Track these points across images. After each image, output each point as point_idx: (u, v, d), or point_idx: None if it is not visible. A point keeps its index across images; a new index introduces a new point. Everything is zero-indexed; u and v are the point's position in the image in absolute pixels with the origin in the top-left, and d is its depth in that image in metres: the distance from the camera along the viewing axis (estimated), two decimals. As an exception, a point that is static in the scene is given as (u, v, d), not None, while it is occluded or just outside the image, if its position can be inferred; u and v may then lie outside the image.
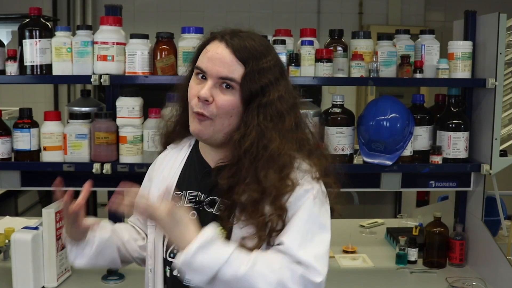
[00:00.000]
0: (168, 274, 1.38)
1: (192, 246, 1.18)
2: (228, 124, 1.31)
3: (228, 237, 1.29)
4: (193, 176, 1.41)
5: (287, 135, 1.31)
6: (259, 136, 1.28)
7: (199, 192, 1.38)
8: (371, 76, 2.19)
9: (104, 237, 1.45)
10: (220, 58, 1.29)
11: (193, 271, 1.18)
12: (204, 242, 1.19)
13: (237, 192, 1.28)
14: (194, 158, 1.44)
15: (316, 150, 1.37)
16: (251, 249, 1.24)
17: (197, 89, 1.32)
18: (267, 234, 1.26)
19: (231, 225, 1.29)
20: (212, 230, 1.22)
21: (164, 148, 1.52)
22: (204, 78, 1.32)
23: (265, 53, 1.31)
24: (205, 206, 1.36)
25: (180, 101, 1.44)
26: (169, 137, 1.51)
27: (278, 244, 1.24)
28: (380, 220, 2.94)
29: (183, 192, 1.40)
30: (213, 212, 1.34)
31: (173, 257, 1.33)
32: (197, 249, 1.18)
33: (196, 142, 1.47)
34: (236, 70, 1.29)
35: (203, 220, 1.33)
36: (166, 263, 1.38)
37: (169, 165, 1.46)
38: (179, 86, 1.45)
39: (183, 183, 1.41)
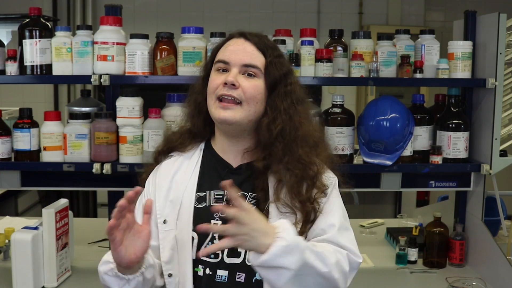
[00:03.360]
0: (201, 273, 1.39)
1: (286, 232, 1.20)
2: (254, 111, 1.39)
3: None
4: (216, 176, 1.45)
5: (310, 119, 1.43)
6: (290, 119, 1.38)
7: (226, 191, 1.39)
8: (371, 76, 2.19)
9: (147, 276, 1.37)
10: (242, 49, 1.39)
11: (293, 250, 1.19)
12: (291, 242, 1.20)
13: (276, 170, 1.37)
14: (212, 160, 1.47)
15: (323, 142, 1.49)
16: None
17: (220, 79, 1.38)
18: (305, 220, 1.36)
19: (267, 218, 1.33)
20: (289, 225, 1.23)
21: (165, 155, 1.53)
22: (225, 71, 1.39)
23: (277, 48, 1.44)
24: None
25: (192, 106, 1.49)
26: (174, 145, 1.53)
27: (320, 234, 1.36)
28: (380, 220, 2.94)
29: (206, 192, 1.43)
30: None
31: (208, 256, 1.37)
32: (287, 236, 1.20)
33: (208, 146, 1.50)
34: (257, 59, 1.39)
35: None
36: (199, 262, 1.39)
37: (181, 170, 1.47)
38: (191, 91, 1.51)
39: (204, 184, 1.45)
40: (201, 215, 1.41)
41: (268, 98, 1.40)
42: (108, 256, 1.32)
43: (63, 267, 2.13)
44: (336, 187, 1.46)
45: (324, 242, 1.34)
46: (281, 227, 1.21)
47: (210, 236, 1.39)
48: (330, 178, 1.45)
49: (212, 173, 1.46)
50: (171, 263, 1.41)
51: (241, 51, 1.39)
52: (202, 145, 1.51)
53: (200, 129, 1.49)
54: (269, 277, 1.21)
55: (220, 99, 1.38)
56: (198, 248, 1.38)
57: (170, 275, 1.40)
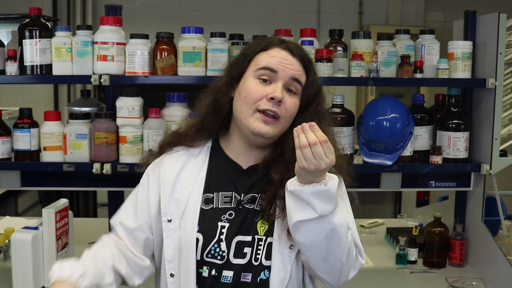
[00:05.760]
0: (205, 274, 1.38)
1: (332, 181, 1.24)
2: (287, 126, 1.40)
3: (271, 229, 1.36)
4: (224, 178, 1.44)
5: (333, 137, 1.42)
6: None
7: (234, 193, 1.42)
8: (371, 76, 2.19)
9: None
10: (290, 63, 1.39)
11: (327, 199, 1.23)
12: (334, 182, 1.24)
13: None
14: (220, 160, 1.46)
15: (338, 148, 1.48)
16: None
17: (263, 90, 1.37)
18: None
19: (274, 218, 1.35)
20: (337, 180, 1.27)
21: (171, 147, 1.52)
22: (266, 81, 1.38)
23: (313, 63, 1.45)
24: (245, 205, 1.40)
25: (211, 106, 1.46)
26: (183, 138, 1.51)
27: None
28: (380, 220, 2.94)
29: (214, 194, 1.42)
30: (254, 208, 1.40)
31: (212, 257, 1.37)
32: (333, 184, 1.24)
33: (216, 146, 1.49)
34: (302, 76, 1.40)
35: (245, 216, 1.39)
36: (204, 263, 1.38)
37: (187, 168, 1.46)
38: (213, 89, 1.47)
39: (212, 186, 1.43)
40: (208, 217, 1.40)
41: (298, 114, 1.41)
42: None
43: (63, 267, 2.13)
44: (343, 187, 1.46)
45: None
46: (328, 177, 1.24)
47: (216, 237, 1.38)
48: (341, 182, 1.45)
49: (221, 174, 1.45)
50: (173, 263, 1.40)
51: (291, 66, 1.38)
52: (210, 144, 1.50)
53: (213, 127, 1.47)
54: (292, 206, 1.26)
55: (261, 111, 1.37)
56: (203, 250, 1.38)
57: (172, 275, 1.40)
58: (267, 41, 1.44)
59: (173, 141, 1.52)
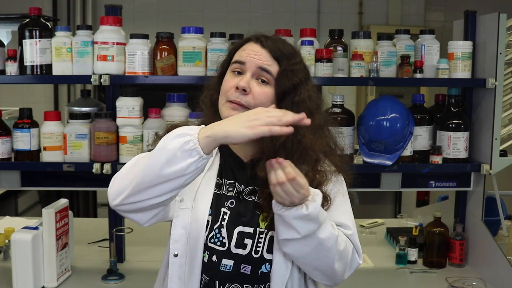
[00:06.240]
0: (206, 259, 1.39)
1: (314, 204, 1.26)
2: None
3: (271, 226, 1.37)
4: (228, 167, 1.47)
5: (317, 131, 1.41)
6: (293, 131, 1.35)
7: (236, 183, 1.45)
8: (371, 76, 2.19)
9: None
10: (258, 54, 1.41)
11: (309, 221, 1.26)
12: (312, 212, 1.26)
13: None
14: (224, 152, 1.49)
15: (337, 149, 1.50)
16: None
17: (233, 81, 1.40)
18: None
19: (273, 214, 1.34)
20: (319, 198, 1.28)
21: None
22: (240, 73, 1.41)
23: (294, 55, 1.44)
24: (245, 196, 1.43)
25: (208, 103, 1.49)
26: None
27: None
28: (380, 220, 2.94)
29: (223, 180, 1.46)
30: (255, 199, 1.42)
31: (213, 243, 1.38)
32: (315, 207, 1.26)
33: None
34: (272, 66, 1.40)
35: (245, 207, 1.42)
36: (206, 248, 1.39)
37: None
38: (207, 88, 1.52)
39: (222, 172, 1.47)
40: (216, 201, 1.42)
41: (276, 106, 1.39)
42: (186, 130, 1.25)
43: (63, 267, 2.13)
44: (344, 186, 1.47)
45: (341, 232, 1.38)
46: (311, 196, 1.26)
47: (218, 223, 1.40)
48: (338, 179, 1.46)
49: (226, 164, 1.48)
50: (179, 243, 1.40)
51: (258, 56, 1.40)
52: None
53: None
54: (278, 225, 1.30)
55: (230, 101, 1.40)
56: (208, 234, 1.39)
57: (176, 255, 1.40)
58: (246, 39, 1.48)
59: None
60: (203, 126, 1.26)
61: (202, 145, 1.21)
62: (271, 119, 1.19)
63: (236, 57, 1.44)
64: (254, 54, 1.41)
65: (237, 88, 1.38)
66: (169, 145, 1.22)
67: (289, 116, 1.21)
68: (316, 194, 1.27)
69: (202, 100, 1.53)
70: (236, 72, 1.42)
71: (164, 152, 1.22)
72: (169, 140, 1.23)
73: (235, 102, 1.38)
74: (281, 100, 1.40)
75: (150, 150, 1.52)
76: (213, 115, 1.47)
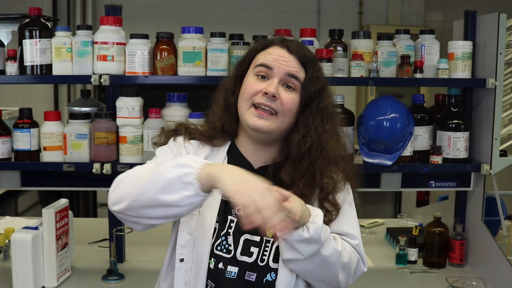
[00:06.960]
0: (211, 266, 1.39)
1: (314, 225, 1.26)
2: (287, 123, 1.41)
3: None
4: None
5: (338, 137, 1.46)
6: (318, 138, 1.40)
7: None
8: (371, 76, 2.19)
9: None
10: (286, 60, 1.40)
11: (312, 243, 1.27)
12: (313, 235, 1.26)
13: (297, 186, 1.39)
14: (234, 158, 1.48)
15: (348, 154, 1.53)
16: None
17: (259, 86, 1.39)
18: None
19: None
20: (319, 218, 1.29)
21: (185, 137, 1.50)
22: (264, 77, 1.40)
23: (316, 61, 1.46)
24: None
25: (221, 105, 1.48)
26: (200, 135, 1.50)
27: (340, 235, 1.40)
28: (380, 220, 2.94)
29: None
30: None
31: (221, 250, 1.38)
32: (316, 228, 1.26)
33: (232, 146, 1.50)
34: (300, 73, 1.40)
35: None
36: (212, 255, 1.39)
37: (209, 159, 1.45)
38: (221, 89, 1.50)
39: None
40: (224, 208, 1.42)
41: (300, 112, 1.42)
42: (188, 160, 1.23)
43: (63, 267, 2.13)
44: (350, 194, 1.48)
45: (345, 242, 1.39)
46: (312, 218, 1.26)
47: (225, 230, 1.40)
48: (348, 189, 1.47)
49: None
50: (185, 248, 1.40)
51: (286, 62, 1.40)
52: (228, 144, 1.50)
53: (233, 126, 1.48)
54: (281, 246, 1.30)
55: (256, 106, 1.39)
56: (215, 241, 1.39)
57: (182, 260, 1.40)
58: (268, 41, 1.47)
59: (192, 133, 1.50)
60: (209, 162, 1.24)
61: (202, 181, 1.20)
62: (272, 221, 1.15)
63: (261, 60, 1.42)
64: (282, 60, 1.40)
65: (265, 93, 1.37)
66: (169, 172, 1.21)
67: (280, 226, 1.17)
68: (316, 215, 1.28)
69: (214, 99, 1.51)
70: (260, 76, 1.41)
71: (162, 178, 1.21)
72: (170, 167, 1.22)
73: (264, 105, 1.37)
74: (306, 106, 1.41)
75: (154, 144, 1.52)
76: (226, 117, 1.47)
